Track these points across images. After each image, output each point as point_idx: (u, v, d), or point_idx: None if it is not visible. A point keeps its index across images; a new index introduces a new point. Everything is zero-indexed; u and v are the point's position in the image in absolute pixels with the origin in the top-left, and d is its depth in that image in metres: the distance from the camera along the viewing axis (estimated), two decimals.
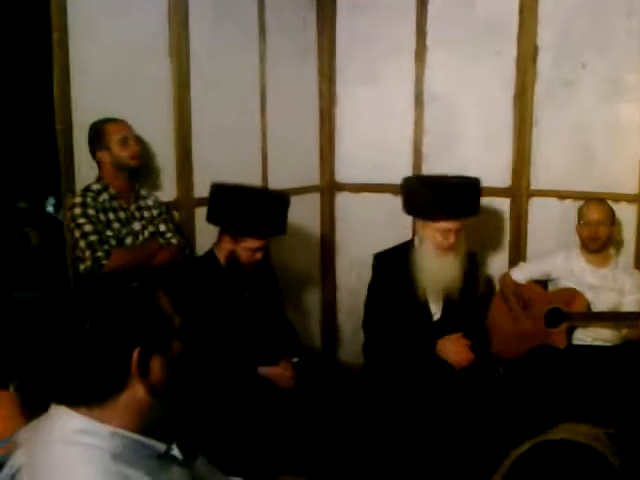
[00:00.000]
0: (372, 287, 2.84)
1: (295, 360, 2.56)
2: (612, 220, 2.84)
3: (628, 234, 3.04)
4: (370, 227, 3.64)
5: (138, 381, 1.04)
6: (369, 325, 2.83)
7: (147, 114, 2.65)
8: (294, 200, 3.39)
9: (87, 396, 1.04)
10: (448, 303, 2.75)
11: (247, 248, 2.38)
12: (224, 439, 2.00)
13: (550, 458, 0.89)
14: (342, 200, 3.76)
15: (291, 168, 3.46)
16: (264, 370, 2.43)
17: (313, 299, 3.74)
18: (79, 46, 2.39)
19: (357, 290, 3.61)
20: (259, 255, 2.41)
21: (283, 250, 3.35)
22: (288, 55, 3.39)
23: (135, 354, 1.03)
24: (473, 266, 2.85)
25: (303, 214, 3.58)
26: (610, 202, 2.92)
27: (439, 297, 2.75)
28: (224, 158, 2.99)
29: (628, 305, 2.76)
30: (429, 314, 2.75)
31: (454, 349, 2.62)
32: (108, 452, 1.01)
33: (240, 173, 2.85)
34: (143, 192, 2.58)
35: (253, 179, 3.14)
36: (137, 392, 1.05)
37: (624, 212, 3.01)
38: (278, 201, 2.51)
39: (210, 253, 2.50)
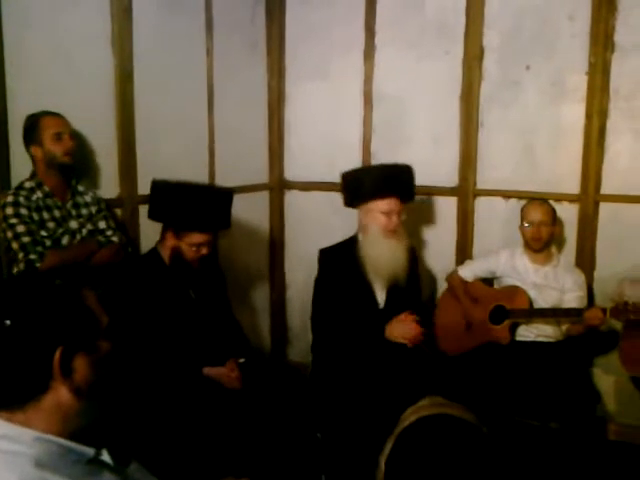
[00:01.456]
0: (319, 282, 2.87)
1: (242, 360, 2.52)
2: (554, 220, 2.90)
3: (569, 233, 3.11)
4: (319, 225, 3.62)
5: (61, 382, 0.99)
6: (317, 320, 2.84)
7: (88, 107, 2.56)
8: (243, 198, 3.38)
9: (7, 399, 0.98)
10: (392, 290, 2.80)
11: (191, 244, 2.34)
12: (164, 442, 1.95)
13: (417, 445, 0.88)
14: (291, 198, 3.73)
15: (240, 166, 3.41)
16: (210, 370, 2.39)
17: (262, 298, 3.71)
18: (14, 34, 2.28)
19: (306, 288, 3.58)
20: (204, 251, 2.37)
21: (232, 249, 3.31)
22: (236, 49, 3.33)
23: (57, 354, 0.97)
24: (414, 259, 2.94)
25: (252, 212, 3.54)
26: (552, 202, 2.98)
27: (384, 284, 2.80)
28: (170, 154, 2.93)
29: (569, 302, 2.82)
30: (375, 302, 2.80)
31: (403, 327, 2.68)
32: (31, 459, 0.96)
33: (187, 170, 2.79)
34: (80, 188, 2.47)
35: (200, 176, 3.07)
36: (61, 394, 1.00)
37: (566, 212, 3.08)
38: (220, 195, 2.48)
39: (154, 251, 2.43)
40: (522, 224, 2.91)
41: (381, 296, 2.82)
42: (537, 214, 2.85)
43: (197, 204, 2.31)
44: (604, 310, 2.56)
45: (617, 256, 3.00)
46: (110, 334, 1.06)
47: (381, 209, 2.70)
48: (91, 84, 2.58)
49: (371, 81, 3.45)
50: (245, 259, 3.51)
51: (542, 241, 2.86)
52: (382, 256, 2.73)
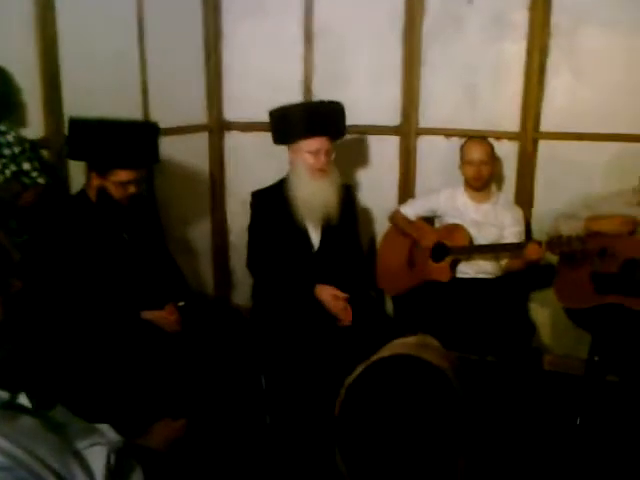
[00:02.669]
0: (252, 225, 2.83)
1: (181, 304, 2.48)
2: (493, 158, 2.92)
3: (509, 171, 3.13)
4: (261, 167, 3.54)
5: None
6: (253, 264, 2.82)
7: (4, 39, 2.37)
8: (181, 140, 3.27)
9: None
10: (327, 231, 2.77)
11: (117, 182, 2.23)
12: (101, 385, 1.91)
13: (384, 377, 0.87)
14: (231, 139, 3.63)
15: (176, 105, 3.27)
16: (148, 314, 2.34)
17: (204, 242, 3.63)
18: None
19: None
20: (132, 189, 2.27)
21: (170, 191, 3.21)
22: None
23: None
24: (349, 197, 2.89)
25: (191, 154, 3.44)
26: (492, 140, 2.98)
27: (317, 225, 2.76)
28: (99, 92, 2.77)
29: (508, 238, 2.87)
30: (309, 244, 2.77)
31: (332, 304, 2.58)
32: None
33: (118, 109, 2.65)
34: (2, 127, 2.32)
35: (133, 116, 2.94)
36: None
37: (506, 149, 3.09)
38: (143, 129, 2.37)
39: (82, 192, 2.32)
40: (462, 163, 2.91)
41: (315, 237, 2.78)
42: (477, 153, 2.85)
43: (118, 140, 2.19)
44: (540, 243, 2.61)
45: (554, 193, 3.05)
46: (21, 272, 0.99)
47: (308, 149, 2.64)
48: (8, 14, 2.38)
49: (311, 17, 3.32)
50: (185, 202, 3.41)
51: (483, 180, 2.88)
52: (312, 197, 2.68)
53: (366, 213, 3.43)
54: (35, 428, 1.01)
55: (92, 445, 1.08)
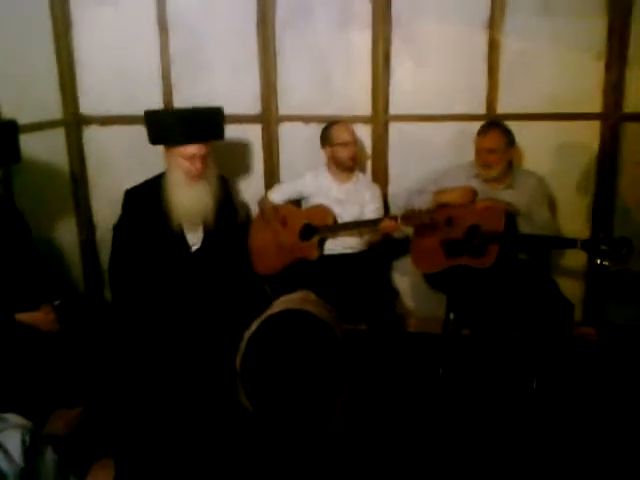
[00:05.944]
0: (120, 226, 2.79)
1: (57, 303, 2.45)
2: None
3: (365, 152, 3.38)
4: (124, 161, 3.50)
5: None
6: (118, 265, 2.77)
7: None
8: (35, 137, 3.14)
9: None
10: (207, 232, 2.81)
11: None
12: None
13: (277, 329, 1.06)
14: (91, 134, 3.53)
15: (27, 99, 3.12)
16: (23, 316, 2.29)
17: (70, 240, 3.52)
18: None
19: None
20: None
21: (29, 191, 3.08)
22: None
23: None
24: (225, 190, 2.94)
25: (47, 151, 3.31)
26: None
27: (197, 227, 2.80)
28: None
29: (369, 214, 3.11)
30: (186, 245, 2.79)
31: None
32: None
33: None
34: None
35: None
36: None
37: (360, 133, 3.31)
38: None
39: None
40: (331, 146, 3.07)
41: (195, 238, 2.81)
42: (347, 135, 3.05)
43: None
44: (395, 218, 2.87)
45: (407, 171, 3.34)
46: None
47: (183, 154, 2.65)
48: None
49: (164, 6, 3.33)
50: (47, 201, 3.29)
51: (356, 159, 3.10)
52: (187, 202, 2.69)
53: (238, 201, 3.51)
54: None
55: (3, 430, 1.12)
